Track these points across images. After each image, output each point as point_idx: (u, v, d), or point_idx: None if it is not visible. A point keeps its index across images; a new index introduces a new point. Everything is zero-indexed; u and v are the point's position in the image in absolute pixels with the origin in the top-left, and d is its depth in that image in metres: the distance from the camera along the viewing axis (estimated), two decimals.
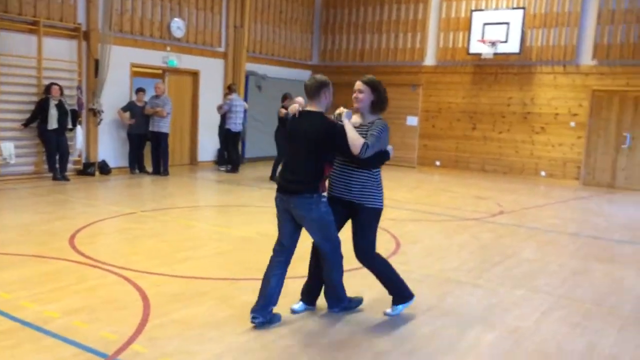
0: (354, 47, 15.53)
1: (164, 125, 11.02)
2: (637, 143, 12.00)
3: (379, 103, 4.07)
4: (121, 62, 11.07)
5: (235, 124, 11.76)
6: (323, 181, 3.98)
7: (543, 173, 13.02)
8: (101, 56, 10.52)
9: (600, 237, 7.32)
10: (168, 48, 12.04)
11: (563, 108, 12.78)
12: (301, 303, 4.31)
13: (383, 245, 6.33)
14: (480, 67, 13.69)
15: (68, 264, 5.17)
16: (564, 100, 12.76)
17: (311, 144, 3.90)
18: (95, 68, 10.56)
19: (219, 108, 11.96)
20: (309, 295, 4.33)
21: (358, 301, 4.40)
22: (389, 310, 4.27)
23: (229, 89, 12.01)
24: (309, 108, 4.04)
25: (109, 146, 11.16)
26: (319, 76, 4.07)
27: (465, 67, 13.90)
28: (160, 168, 11.05)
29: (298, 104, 4.13)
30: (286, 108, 10.77)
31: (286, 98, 10.98)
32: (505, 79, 13.45)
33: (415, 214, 8.39)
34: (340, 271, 4.22)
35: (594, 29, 12.30)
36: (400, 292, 4.25)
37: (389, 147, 4.17)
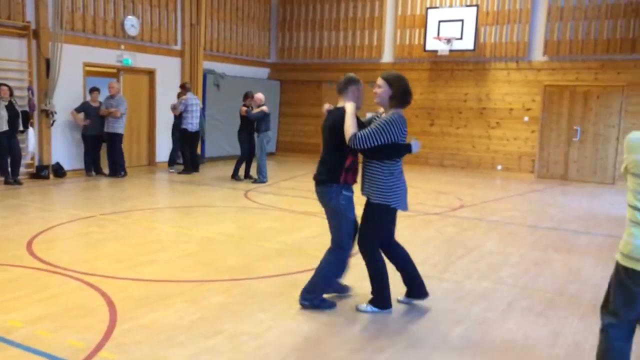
0: (311, 45, 15.54)
1: (118, 126, 10.73)
2: (587, 136, 12.45)
3: (396, 97, 4.12)
4: (73, 62, 10.75)
5: (192, 124, 11.55)
6: (345, 173, 4.14)
7: (499, 167, 13.36)
8: (52, 55, 10.19)
9: (557, 228, 7.57)
10: (122, 46, 11.76)
11: (517, 103, 13.14)
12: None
13: None
14: (436, 64, 13.92)
15: (27, 271, 4.99)
16: (517, 96, 13.12)
17: (332, 137, 4.14)
18: (46, 68, 10.22)
19: (174, 108, 11.72)
20: (411, 290, 4.42)
21: (330, 304, 4.34)
22: (361, 306, 4.32)
23: (183, 88, 11.74)
24: (339, 104, 4.23)
25: (63, 148, 10.82)
26: (349, 74, 4.25)
27: (422, 64, 14.11)
28: (117, 170, 10.79)
29: (327, 103, 4.43)
30: (247, 106, 10.69)
31: (247, 97, 10.92)
32: (461, 75, 13.73)
33: None
34: (334, 269, 4.33)
35: (544, 26, 12.69)
36: (381, 299, 4.28)
37: (414, 142, 4.16)
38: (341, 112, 4.10)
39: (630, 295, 2.68)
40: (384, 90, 4.13)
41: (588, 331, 4.04)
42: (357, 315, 4.21)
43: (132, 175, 11.14)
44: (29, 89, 10.00)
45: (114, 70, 11.97)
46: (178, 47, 13.13)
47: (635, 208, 2.65)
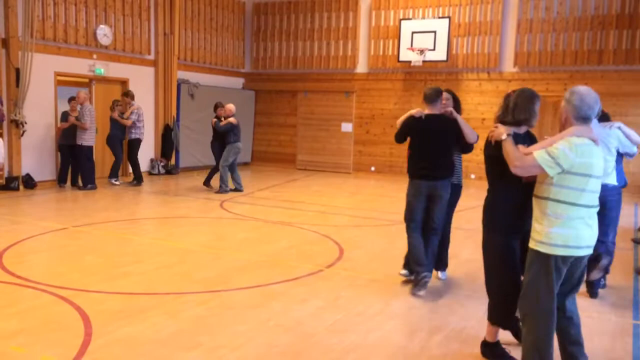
0: (286, 55, 15.57)
1: (82, 138, 10.28)
2: None
3: (456, 107, 5.18)
4: (44, 71, 10.57)
5: (142, 133, 11.38)
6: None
7: (473, 176, 13.53)
8: (22, 65, 10.00)
9: None
10: (94, 56, 11.61)
11: (489, 113, 13.34)
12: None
13: (327, 252, 6.38)
14: (410, 74, 14.08)
15: None
16: (489, 106, 13.33)
17: (450, 140, 5.06)
18: (16, 77, 10.02)
19: (122, 118, 11.09)
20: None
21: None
22: (441, 276, 5.40)
23: (127, 96, 11.25)
24: (427, 111, 5.10)
25: (34, 159, 10.59)
26: (435, 87, 5.18)
27: (396, 74, 14.25)
28: (84, 182, 10.41)
29: (416, 109, 5.23)
30: (218, 117, 10.59)
31: (218, 107, 10.84)
32: (434, 86, 13.89)
33: (356, 219, 8.49)
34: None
35: (514, 38, 12.96)
36: (445, 262, 5.43)
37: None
38: (447, 118, 5.02)
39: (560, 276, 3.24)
40: (449, 102, 5.15)
41: None
42: (337, 326, 4.21)
43: (105, 185, 10.96)
44: None
45: (86, 80, 11.80)
46: (151, 57, 13.03)
47: (572, 204, 3.17)
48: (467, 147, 5.21)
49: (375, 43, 14.39)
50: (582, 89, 3.25)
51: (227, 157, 10.44)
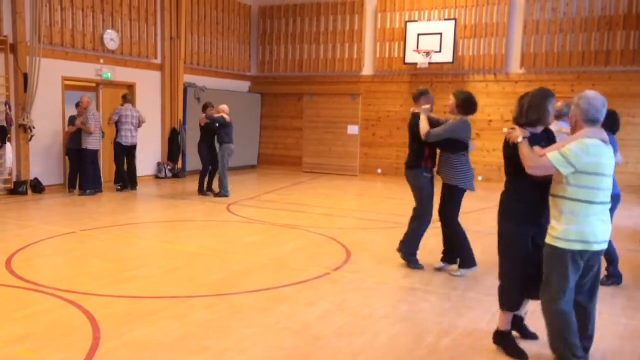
0: (292, 58, 15.59)
1: (87, 142, 10.25)
2: None
3: (460, 107, 5.61)
4: (52, 76, 10.63)
5: (126, 137, 10.95)
6: (425, 159, 5.75)
7: (480, 178, 13.48)
8: (30, 70, 10.07)
9: None
10: (101, 60, 11.67)
11: (496, 115, 13.31)
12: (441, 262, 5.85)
13: (334, 255, 6.37)
14: (416, 77, 14.06)
15: (7, 289, 4.88)
16: (496, 107, 13.29)
17: (410, 134, 5.79)
18: (24, 82, 10.09)
19: (109, 120, 11.01)
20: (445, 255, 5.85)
21: (419, 266, 5.82)
22: (455, 272, 5.63)
23: (123, 99, 11.13)
24: (414, 110, 5.80)
25: (42, 163, 10.65)
26: (420, 88, 5.92)
27: (402, 76, 14.24)
28: (85, 186, 10.34)
29: (424, 108, 5.75)
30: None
31: (207, 107, 10.55)
32: (440, 88, 13.86)
33: (362, 222, 8.48)
34: (418, 231, 5.89)
35: (521, 39, 12.91)
36: (465, 259, 5.62)
37: (471, 144, 5.73)
38: (416, 115, 5.72)
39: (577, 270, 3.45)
40: (452, 103, 5.62)
41: None
42: (344, 329, 4.19)
43: (112, 190, 10.99)
44: (7, 103, 9.85)
45: (94, 85, 11.86)
46: (158, 61, 13.08)
47: (587, 202, 3.36)
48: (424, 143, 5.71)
49: (381, 45, 14.38)
50: (590, 93, 3.44)
51: (224, 160, 10.27)
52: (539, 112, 3.67)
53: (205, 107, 10.65)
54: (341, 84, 14.95)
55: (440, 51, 13.24)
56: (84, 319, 4.23)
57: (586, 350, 3.57)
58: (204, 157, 10.63)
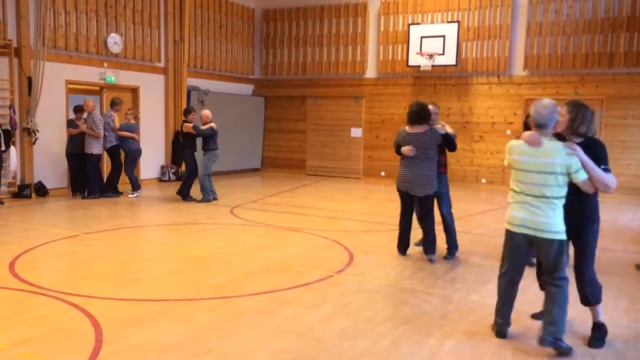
0: (295, 61, 15.61)
1: (91, 146, 10.23)
2: None
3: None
4: (56, 79, 10.68)
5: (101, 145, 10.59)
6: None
7: (484, 180, 13.47)
8: (34, 73, 10.12)
9: None
10: (105, 64, 11.71)
11: (499, 117, 13.30)
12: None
13: (337, 258, 6.37)
14: (419, 79, 14.06)
15: (10, 292, 4.90)
16: (499, 110, 13.28)
17: (436, 148, 6.27)
18: (28, 86, 10.13)
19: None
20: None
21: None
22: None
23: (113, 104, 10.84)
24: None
25: (46, 167, 10.69)
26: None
27: (405, 78, 14.24)
28: (90, 190, 10.34)
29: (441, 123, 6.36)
30: (190, 122, 10.20)
31: (190, 112, 10.38)
32: (443, 90, 13.87)
33: (365, 224, 8.47)
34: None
35: (524, 41, 12.90)
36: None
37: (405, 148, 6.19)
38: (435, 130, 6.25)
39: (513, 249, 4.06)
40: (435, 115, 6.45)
41: (577, 341, 4.06)
42: (347, 332, 4.19)
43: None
44: (11, 107, 9.90)
45: (97, 88, 11.90)
46: (161, 64, 13.12)
47: (513, 190, 4.00)
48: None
49: (384, 48, 14.39)
50: (542, 102, 3.90)
51: (208, 165, 10.10)
52: (586, 127, 3.95)
53: (187, 112, 10.41)
54: (344, 87, 14.97)
55: (443, 54, 13.23)
56: (87, 321, 4.24)
57: (541, 339, 3.82)
58: (191, 163, 10.37)
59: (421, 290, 5.21)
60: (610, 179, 3.80)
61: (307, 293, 5.06)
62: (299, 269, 5.86)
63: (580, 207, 3.93)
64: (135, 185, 10.84)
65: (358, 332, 4.17)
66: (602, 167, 3.82)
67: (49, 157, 10.74)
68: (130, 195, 10.68)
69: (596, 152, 3.85)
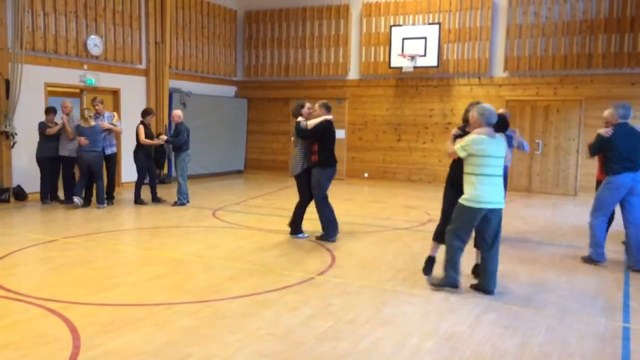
0: (278, 62, 15.60)
1: (66, 149, 9.91)
2: (548, 149, 12.77)
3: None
4: (35, 82, 10.54)
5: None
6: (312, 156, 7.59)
7: None
8: (12, 76, 9.97)
9: (522, 240, 7.71)
10: (85, 66, 11.60)
11: None
12: None
13: (319, 260, 6.37)
14: (402, 80, 14.12)
15: None
16: None
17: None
18: (6, 89, 9.99)
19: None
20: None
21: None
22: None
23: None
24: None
25: (25, 170, 10.54)
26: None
27: (387, 80, 14.30)
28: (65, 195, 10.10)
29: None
30: (147, 124, 10.09)
31: (149, 114, 10.33)
32: (426, 91, 13.95)
33: (348, 225, 8.48)
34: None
35: (504, 43, 13.03)
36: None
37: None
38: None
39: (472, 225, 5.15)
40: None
41: (555, 341, 4.11)
42: (328, 333, 4.19)
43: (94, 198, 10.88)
44: None
45: (77, 90, 11.78)
46: (143, 66, 13.02)
47: (473, 174, 5.00)
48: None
49: (367, 50, 14.44)
50: (487, 105, 5.22)
51: (184, 167, 9.99)
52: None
53: (146, 113, 10.26)
54: (327, 88, 14.98)
55: (424, 55, 13.32)
56: (64, 327, 4.19)
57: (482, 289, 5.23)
58: (142, 166, 10.18)
59: (402, 291, 5.23)
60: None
61: (288, 295, 5.06)
62: (280, 271, 5.85)
63: None
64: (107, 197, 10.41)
65: (338, 334, 4.17)
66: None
67: (27, 161, 10.59)
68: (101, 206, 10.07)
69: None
